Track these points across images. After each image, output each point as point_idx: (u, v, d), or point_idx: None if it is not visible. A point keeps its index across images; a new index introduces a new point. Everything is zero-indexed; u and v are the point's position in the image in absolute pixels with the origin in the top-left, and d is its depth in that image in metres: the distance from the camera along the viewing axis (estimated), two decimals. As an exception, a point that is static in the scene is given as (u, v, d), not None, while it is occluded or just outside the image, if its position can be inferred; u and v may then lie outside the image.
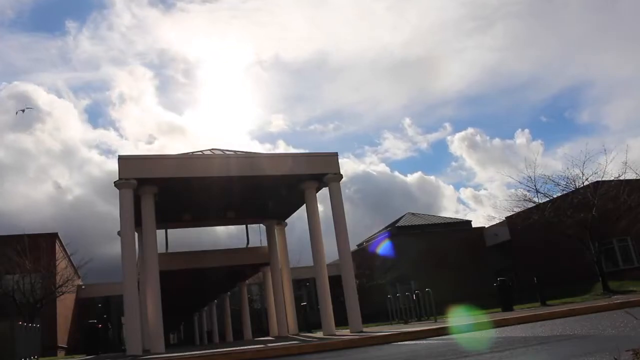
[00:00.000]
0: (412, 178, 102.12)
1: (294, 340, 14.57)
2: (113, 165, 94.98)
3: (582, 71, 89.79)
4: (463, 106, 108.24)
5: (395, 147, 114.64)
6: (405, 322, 20.65)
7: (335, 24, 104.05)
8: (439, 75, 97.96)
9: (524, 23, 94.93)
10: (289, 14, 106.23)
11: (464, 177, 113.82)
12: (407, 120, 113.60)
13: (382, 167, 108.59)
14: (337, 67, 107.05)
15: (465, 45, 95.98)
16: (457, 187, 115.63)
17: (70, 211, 78.03)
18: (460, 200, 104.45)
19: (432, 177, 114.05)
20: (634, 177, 24.38)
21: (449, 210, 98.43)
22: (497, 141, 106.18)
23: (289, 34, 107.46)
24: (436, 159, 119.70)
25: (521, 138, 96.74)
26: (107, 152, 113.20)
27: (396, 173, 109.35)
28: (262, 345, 13.31)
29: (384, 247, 37.06)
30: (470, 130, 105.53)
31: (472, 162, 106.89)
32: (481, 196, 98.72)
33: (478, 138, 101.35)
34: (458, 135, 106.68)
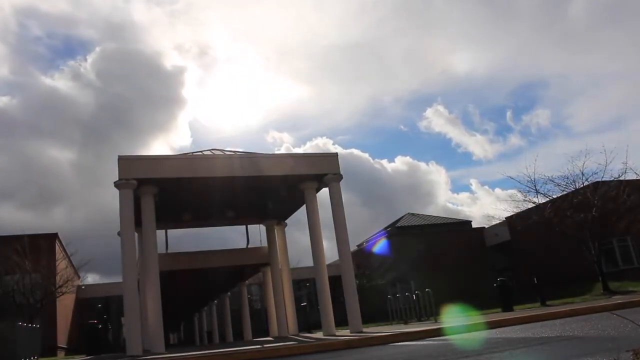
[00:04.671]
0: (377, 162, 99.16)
1: (294, 341, 14.57)
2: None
3: (534, 70, 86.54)
4: (414, 103, 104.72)
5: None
6: (405, 323, 20.63)
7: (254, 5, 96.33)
8: (382, 71, 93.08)
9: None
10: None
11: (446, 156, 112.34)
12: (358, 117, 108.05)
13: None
14: (269, 55, 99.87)
15: (404, 25, 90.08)
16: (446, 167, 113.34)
17: None
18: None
19: (407, 157, 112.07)
20: (634, 177, 24.38)
21: (440, 195, 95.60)
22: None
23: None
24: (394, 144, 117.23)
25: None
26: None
27: (354, 150, 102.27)
28: (262, 346, 13.31)
29: (383, 247, 37.06)
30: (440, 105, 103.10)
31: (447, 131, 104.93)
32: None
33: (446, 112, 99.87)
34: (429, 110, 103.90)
